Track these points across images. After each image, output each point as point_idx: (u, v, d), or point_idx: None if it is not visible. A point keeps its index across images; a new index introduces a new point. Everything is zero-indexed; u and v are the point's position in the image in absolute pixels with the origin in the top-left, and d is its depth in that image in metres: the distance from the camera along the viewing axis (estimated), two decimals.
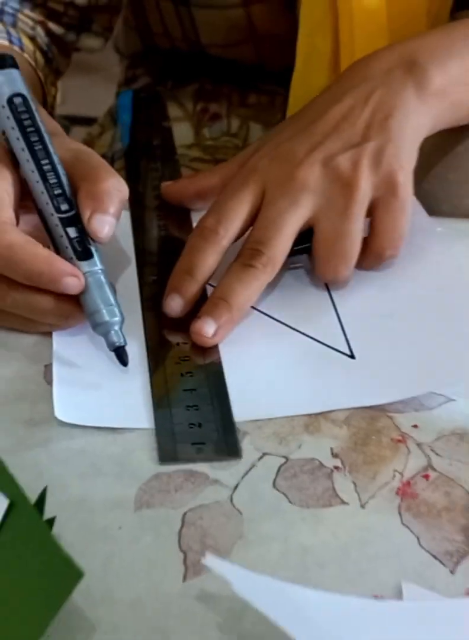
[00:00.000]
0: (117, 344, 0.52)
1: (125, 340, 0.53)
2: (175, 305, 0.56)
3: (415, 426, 0.51)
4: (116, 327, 0.52)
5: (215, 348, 0.54)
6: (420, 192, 0.65)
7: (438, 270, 0.61)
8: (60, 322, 0.54)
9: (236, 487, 0.47)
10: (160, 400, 0.51)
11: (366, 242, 0.58)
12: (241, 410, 0.51)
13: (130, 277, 0.61)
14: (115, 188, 0.54)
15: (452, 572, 0.43)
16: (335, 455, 0.49)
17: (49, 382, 0.53)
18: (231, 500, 0.46)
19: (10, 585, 0.34)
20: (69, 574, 0.32)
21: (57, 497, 0.45)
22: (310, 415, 0.51)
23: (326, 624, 0.37)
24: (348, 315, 0.57)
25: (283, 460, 0.48)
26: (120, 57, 1.02)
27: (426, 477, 0.48)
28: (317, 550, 0.44)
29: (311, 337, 0.55)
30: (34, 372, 0.54)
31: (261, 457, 0.48)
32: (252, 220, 0.57)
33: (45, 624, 0.33)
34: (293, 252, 0.58)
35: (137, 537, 0.44)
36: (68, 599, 0.33)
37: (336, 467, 0.48)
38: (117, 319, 0.52)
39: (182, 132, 0.89)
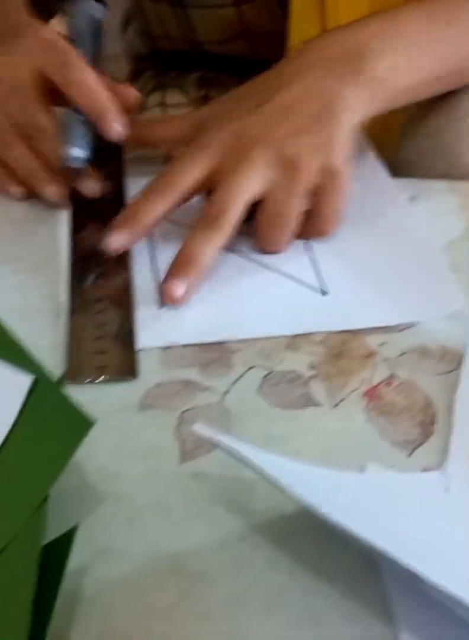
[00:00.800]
0: None
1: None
2: (115, 241, 0.62)
3: (383, 343, 0.58)
4: None
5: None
6: (415, 151, 0.72)
7: (406, 228, 0.69)
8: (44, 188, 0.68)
9: (226, 392, 0.54)
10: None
11: (308, 218, 0.64)
12: (218, 329, 0.59)
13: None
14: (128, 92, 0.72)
15: (409, 456, 0.50)
16: (312, 368, 0.56)
17: None
18: (222, 403, 0.54)
19: (25, 440, 0.41)
20: (79, 424, 0.40)
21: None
22: (291, 335, 0.59)
23: (317, 488, 0.44)
24: (322, 257, 0.65)
25: (267, 371, 0.56)
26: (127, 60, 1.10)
27: (390, 384, 0.55)
28: (293, 441, 0.51)
29: (286, 275, 0.63)
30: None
31: (249, 369, 0.56)
32: (203, 185, 0.63)
33: (58, 472, 0.40)
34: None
35: (142, 430, 0.52)
36: (78, 447, 0.41)
37: (312, 376, 0.56)
38: None
39: None
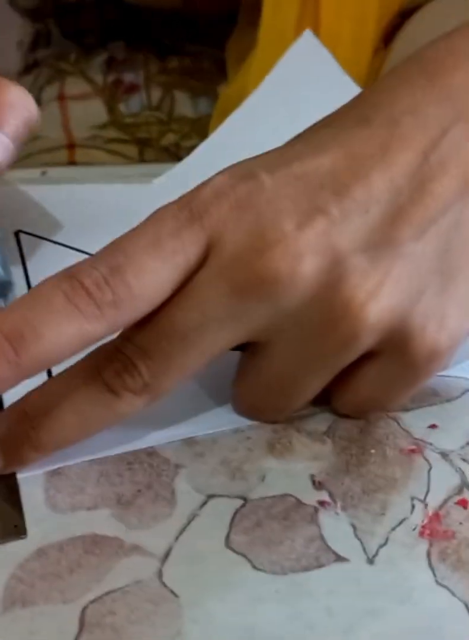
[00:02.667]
0: None
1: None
2: None
3: (433, 426, 0.33)
4: None
5: None
6: None
7: None
8: None
9: (167, 554, 0.29)
10: None
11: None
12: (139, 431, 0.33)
13: None
14: (18, 100, 0.37)
15: None
16: (318, 486, 0.31)
17: None
18: (160, 576, 0.29)
19: None
20: None
21: None
22: (275, 426, 0.34)
23: None
24: None
25: (240, 502, 0.31)
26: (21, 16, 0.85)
27: (463, 503, 0.30)
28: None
29: None
30: None
31: (204, 503, 0.31)
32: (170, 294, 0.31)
33: None
34: None
35: None
36: None
37: (323, 503, 0.31)
38: None
39: (93, 111, 0.74)
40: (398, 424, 0.34)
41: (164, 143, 0.74)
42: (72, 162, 0.74)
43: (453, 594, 0.28)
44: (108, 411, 0.31)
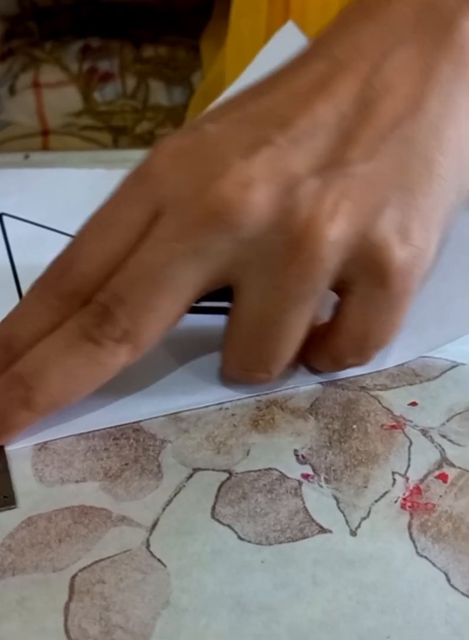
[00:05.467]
0: None
1: None
2: None
3: (414, 404, 0.34)
4: None
5: None
6: None
7: None
8: None
9: (155, 525, 0.30)
10: None
11: (323, 331, 0.34)
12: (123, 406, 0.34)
13: None
14: None
15: None
16: (302, 460, 0.32)
17: None
18: (147, 546, 0.29)
19: None
20: None
21: None
22: (258, 403, 0.34)
23: None
24: None
25: (225, 475, 0.31)
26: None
27: (443, 477, 0.31)
28: (289, 612, 0.27)
29: None
30: None
31: (190, 476, 0.32)
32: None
33: None
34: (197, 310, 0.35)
35: None
36: None
37: (306, 477, 0.31)
38: None
39: (68, 98, 0.74)
40: (379, 402, 0.34)
41: (139, 131, 0.74)
42: (46, 149, 0.73)
43: (434, 564, 0.29)
44: (95, 364, 0.31)
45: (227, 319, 0.33)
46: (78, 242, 0.33)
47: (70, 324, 0.32)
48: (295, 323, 0.32)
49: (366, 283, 0.32)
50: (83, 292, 0.32)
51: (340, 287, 0.32)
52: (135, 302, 0.31)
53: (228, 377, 0.35)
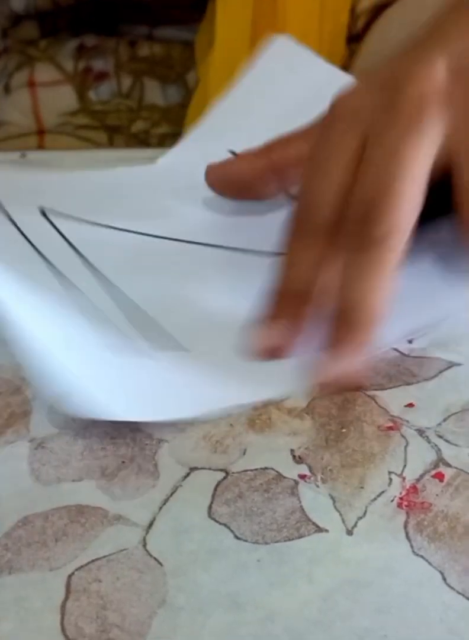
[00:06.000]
0: None
1: None
2: (269, 338, 0.37)
3: (410, 405, 0.34)
4: None
5: None
6: None
7: None
8: None
9: (151, 524, 0.30)
10: None
11: None
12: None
13: None
14: None
15: None
16: (298, 460, 0.32)
17: None
18: (144, 545, 0.29)
19: None
20: None
21: None
22: (254, 405, 0.34)
23: None
24: None
25: (221, 475, 0.32)
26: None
27: (439, 476, 0.31)
28: (285, 611, 0.27)
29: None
30: None
31: (187, 475, 0.32)
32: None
33: None
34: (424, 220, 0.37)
35: None
36: None
37: (303, 476, 0.31)
38: None
39: (63, 97, 0.74)
40: (375, 402, 0.35)
41: (134, 130, 0.74)
42: (41, 149, 0.73)
43: (430, 563, 0.29)
44: (383, 264, 0.35)
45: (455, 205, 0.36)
46: (306, 184, 0.38)
47: (350, 249, 0.35)
48: None
49: None
50: (331, 219, 0.36)
51: None
52: (383, 196, 0.35)
53: None
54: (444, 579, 0.28)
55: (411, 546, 0.29)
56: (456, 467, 0.32)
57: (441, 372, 0.36)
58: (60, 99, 0.73)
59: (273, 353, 0.36)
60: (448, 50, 0.37)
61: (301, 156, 0.41)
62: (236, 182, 0.44)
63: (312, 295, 0.37)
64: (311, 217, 0.37)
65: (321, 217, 0.37)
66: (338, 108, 0.38)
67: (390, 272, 0.35)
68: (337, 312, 0.35)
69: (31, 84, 0.76)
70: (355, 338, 0.35)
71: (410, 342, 0.38)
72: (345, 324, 0.35)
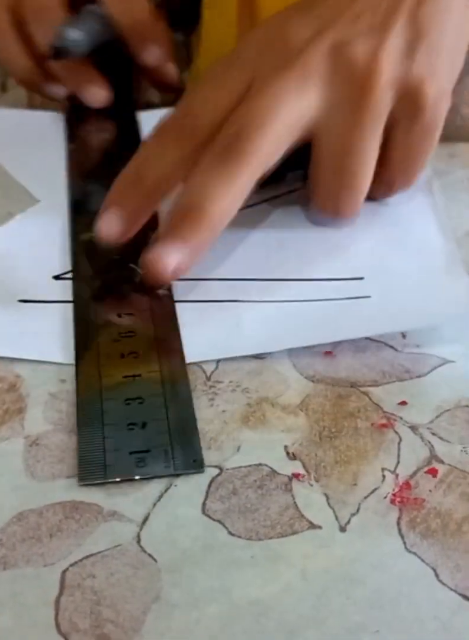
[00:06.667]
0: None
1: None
2: (110, 225, 0.39)
3: (403, 403, 0.34)
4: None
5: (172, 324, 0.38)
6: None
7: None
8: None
9: (145, 520, 0.30)
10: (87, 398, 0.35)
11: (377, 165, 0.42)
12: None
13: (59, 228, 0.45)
14: None
15: None
16: (292, 456, 0.32)
17: None
18: (138, 541, 0.29)
19: None
20: None
21: None
22: (249, 399, 0.35)
23: None
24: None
25: (216, 471, 0.32)
26: None
27: (433, 472, 0.31)
28: (278, 607, 0.27)
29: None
30: None
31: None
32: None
33: None
34: (281, 176, 0.44)
35: None
36: None
37: (296, 474, 0.31)
38: None
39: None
40: (369, 398, 0.35)
41: None
42: None
43: (423, 560, 0.29)
44: (237, 177, 0.38)
45: (309, 174, 0.42)
46: (189, 98, 0.42)
47: (210, 155, 0.39)
48: (371, 148, 0.40)
49: (408, 114, 0.41)
50: (201, 131, 0.40)
51: (388, 124, 0.41)
52: (257, 123, 0.38)
53: (321, 212, 0.43)
54: (437, 576, 0.28)
55: (404, 543, 0.29)
56: (449, 464, 0.32)
57: (434, 369, 0.36)
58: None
59: (108, 238, 0.39)
60: (335, 29, 0.41)
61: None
62: None
63: (159, 190, 0.40)
64: (185, 122, 0.41)
65: (192, 125, 0.40)
66: (237, 52, 0.43)
67: (240, 188, 0.38)
68: (179, 207, 0.38)
69: None
70: (187, 235, 0.37)
71: (404, 336, 0.38)
72: (182, 219, 0.38)
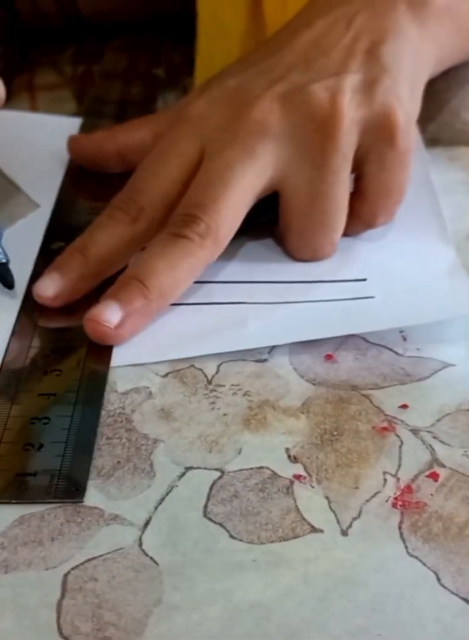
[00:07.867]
0: None
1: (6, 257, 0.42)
2: (46, 286, 0.39)
3: (404, 406, 0.34)
4: None
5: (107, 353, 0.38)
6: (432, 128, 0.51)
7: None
8: None
9: (147, 523, 0.30)
10: None
11: (350, 204, 0.42)
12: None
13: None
14: None
15: None
16: (293, 459, 0.32)
17: None
18: (140, 544, 0.29)
19: None
20: None
21: None
22: (250, 402, 0.35)
23: None
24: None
25: (217, 474, 0.32)
26: None
27: (434, 476, 0.31)
28: (280, 610, 0.27)
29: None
30: None
31: (182, 474, 0.32)
32: (185, 190, 0.41)
33: None
34: (249, 226, 0.42)
35: None
36: None
37: (298, 476, 0.31)
38: None
39: (62, 101, 0.73)
40: (370, 401, 0.35)
41: None
42: None
43: (424, 564, 0.29)
44: (189, 255, 0.38)
45: (279, 228, 0.42)
46: (140, 174, 0.42)
47: (163, 233, 0.39)
48: (341, 191, 0.40)
49: (379, 146, 0.40)
50: (150, 209, 0.40)
51: (359, 160, 0.41)
52: (210, 201, 0.39)
53: (296, 258, 0.42)
54: (439, 579, 0.28)
55: (406, 546, 0.29)
56: (450, 468, 0.32)
57: (435, 372, 0.36)
58: (59, 103, 0.73)
59: (44, 301, 0.39)
60: (288, 79, 0.41)
61: (144, 144, 0.46)
62: (84, 157, 0.50)
63: (102, 264, 0.40)
64: (136, 199, 0.41)
65: (141, 203, 0.40)
66: (187, 112, 0.43)
67: (191, 267, 0.38)
68: (125, 276, 0.38)
69: (30, 88, 0.76)
70: (125, 304, 0.37)
71: (405, 339, 0.38)
72: (129, 286, 0.38)
